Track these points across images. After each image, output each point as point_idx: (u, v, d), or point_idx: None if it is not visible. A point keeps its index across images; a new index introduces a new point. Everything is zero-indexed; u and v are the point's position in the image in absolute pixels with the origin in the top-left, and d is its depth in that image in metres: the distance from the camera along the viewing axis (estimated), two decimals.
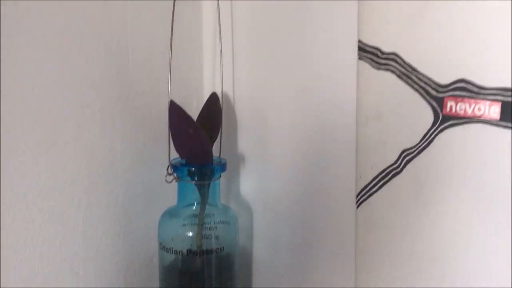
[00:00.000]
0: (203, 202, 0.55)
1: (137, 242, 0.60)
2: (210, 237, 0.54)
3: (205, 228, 0.54)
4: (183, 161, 0.55)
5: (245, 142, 0.61)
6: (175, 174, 0.54)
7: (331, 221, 0.53)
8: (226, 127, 0.60)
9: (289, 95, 0.56)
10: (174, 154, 0.56)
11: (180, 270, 0.55)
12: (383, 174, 0.48)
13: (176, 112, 0.52)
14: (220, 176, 0.56)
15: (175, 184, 0.61)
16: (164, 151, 0.61)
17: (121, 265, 0.58)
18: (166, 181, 0.54)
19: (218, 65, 0.61)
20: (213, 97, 0.58)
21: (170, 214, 0.56)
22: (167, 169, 0.54)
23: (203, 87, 0.65)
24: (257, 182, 0.61)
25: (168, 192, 0.62)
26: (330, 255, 0.54)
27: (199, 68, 0.65)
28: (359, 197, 0.51)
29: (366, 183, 0.50)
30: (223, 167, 0.55)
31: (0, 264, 0.47)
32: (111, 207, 0.57)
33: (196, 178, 0.54)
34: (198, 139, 0.52)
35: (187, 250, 0.53)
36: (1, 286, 0.47)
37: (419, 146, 0.46)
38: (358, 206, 0.51)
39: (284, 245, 0.59)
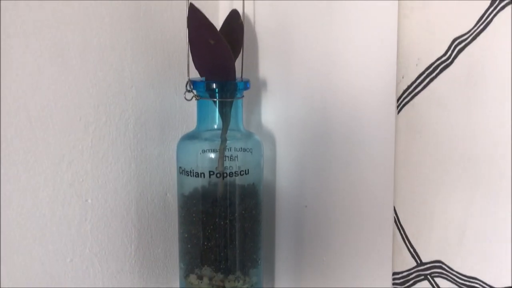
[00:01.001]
0: (225, 123, 0.50)
1: (150, 172, 0.55)
2: (233, 159, 0.49)
3: (227, 151, 0.49)
4: (203, 79, 0.50)
5: (267, 67, 0.56)
6: (194, 92, 0.48)
7: (364, 136, 0.48)
8: (247, 49, 0.54)
9: (316, 11, 0.50)
10: (193, 74, 0.50)
11: (201, 195, 0.49)
12: (430, 70, 0.43)
13: (196, 18, 0.46)
14: (243, 95, 0.50)
15: (192, 110, 0.56)
16: (181, 74, 0.55)
17: (132, 195, 0.53)
18: (185, 98, 0.49)
19: None
20: (234, 14, 0.53)
21: (189, 137, 0.51)
22: (186, 85, 0.49)
23: (219, 6, 0.59)
24: (280, 110, 0.55)
25: (185, 119, 0.57)
26: (362, 176, 0.49)
27: None
28: (400, 100, 0.45)
29: (410, 82, 0.44)
30: (246, 84, 0.50)
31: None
32: (121, 131, 0.51)
33: (217, 96, 0.49)
34: (220, 51, 0.47)
35: (209, 172, 0.48)
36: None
37: (474, 31, 0.40)
38: (399, 111, 0.46)
39: (308, 176, 0.54)
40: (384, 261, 0.47)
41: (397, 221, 0.47)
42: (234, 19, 0.52)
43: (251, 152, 0.50)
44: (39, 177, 0.45)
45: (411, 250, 0.46)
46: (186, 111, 0.57)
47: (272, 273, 0.58)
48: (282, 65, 0.54)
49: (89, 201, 0.50)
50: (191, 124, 0.57)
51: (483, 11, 0.39)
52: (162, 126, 0.55)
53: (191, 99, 0.49)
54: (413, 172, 0.45)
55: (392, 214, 0.47)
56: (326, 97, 0.50)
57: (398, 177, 0.46)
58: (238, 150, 0.49)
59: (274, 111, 0.55)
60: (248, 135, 0.52)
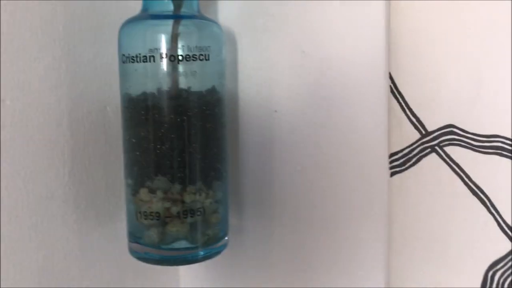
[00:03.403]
0: (176, 5, 0.41)
1: (85, 76, 0.45)
2: (190, 47, 0.40)
3: (182, 38, 0.40)
4: None
5: None
6: None
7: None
8: None
9: None
10: None
11: (149, 86, 0.40)
12: None
13: None
14: None
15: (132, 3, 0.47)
16: None
17: (63, 103, 0.43)
18: None
19: None
20: None
21: (134, 19, 0.42)
22: None
23: None
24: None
25: (125, 12, 0.47)
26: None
27: None
28: None
29: None
30: None
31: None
32: (47, 18, 0.42)
33: None
34: None
35: (160, 54, 0.39)
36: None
37: None
38: None
39: (280, 83, 0.46)
40: (378, 142, 0.39)
41: (393, 89, 0.40)
42: None
43: (212, 39, 0.42)
44: None
45: (414, 120, 0.39)
46: (130, 4, 0.47)
47: (239, 200, 0.49)
48: None
49: (8, 102, 0.40)
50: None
51: None
52: (99, 20, 0.46)
53: None
54: (414, 34, 0.38)
55: (387, 82, 0.40)
56: None
57: (393, 35, 0.39)
58: (193, 32, 0.41)
59: (234, 1, 0.47)
60: (207, 19, 0.43)
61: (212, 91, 0.42)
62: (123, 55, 0.41)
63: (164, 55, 0.39)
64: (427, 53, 0.38)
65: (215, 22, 0.43)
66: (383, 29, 0.38)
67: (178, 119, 0.40)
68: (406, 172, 0.40)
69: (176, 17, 0.41)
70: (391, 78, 0.40)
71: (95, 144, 0.46)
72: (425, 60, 0.38)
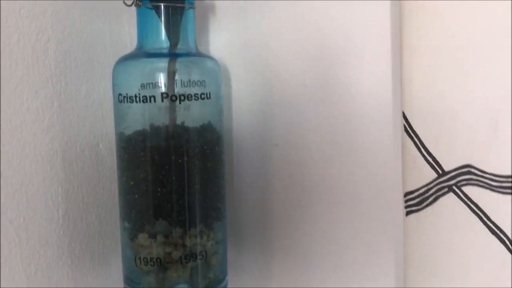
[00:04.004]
0: (174, 36, 0.40)
1: (78, 114, 0.43)
2: (188, 83, 0.39)
3: (180, 75, 0.39)
4: None
5: None
6: None
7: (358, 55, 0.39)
8: None
9: None
10: None
11: (151, 127, 0.39)
12: None
13: None
14: (193, 5, 0.41)
15: (126, 36, 0.46)
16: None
17: (56, 143, 0.42)
18: (125, 4, 0.39)
19: None
20: None
21: (129, 57, 0.40)
22: None
23: None
24: (235, 31, 0.46)
25: (118, 48, 0.46)
26: (355, 90, 0.40)
27: None
28: None
29: None
30: None
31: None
32: (40, 57, 0.40)
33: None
34: None
35: (161, 95, 0.38)
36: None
37: None
38: None
39: (276, 112, 0.45)
40: (391, 181, 0.38)
41: (408, 128, 0.39)
42: None
43: (209, 75, 0.41)
44: None
45: (429, 159, 0.38)
46: (121, 38, 0.46)
47: (239, 228, 0.48)
48: None
49: (1, 147, 0.38)
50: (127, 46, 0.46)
51: None
52: (90, 55, 0.44)
53: (131, 4, 0.39)
54: (425, 65, 0.38)
55: (401, 122, 0.39)
56: (300, 12, 0.42)
57: (406, 75, 0.38)
58: (191, 72, 0.40)
59: (226, 33, 0.46)
60: (203, 56, 0.42)
61: (212, 129, 0.41)
62: (120, 94, 0.39)
63: (163, 95, 0.38)
64: (442, 91, 0.37)
65: (212, 59, 0.42)
66: (394, 68, 0.38)
67: (179, 160, 0.39)
68: (422, 211, 0.39)
69: (173, 55, 0.39)
70: (404, 117, 0.39)
71: (88, 183, 0.44)
72: (439, 98, 0.37)
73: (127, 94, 0.39)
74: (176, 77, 0.39)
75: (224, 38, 0.46)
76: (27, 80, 0.39)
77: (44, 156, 0.41)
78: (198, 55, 0.42)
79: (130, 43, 0.47)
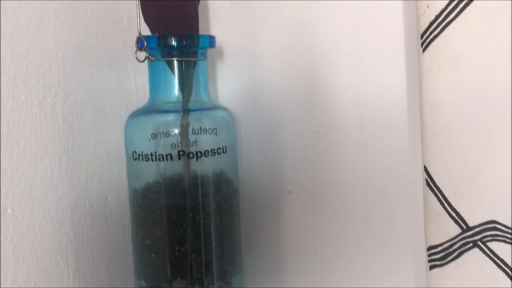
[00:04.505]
0: (186, 91, 0.39)
1: (87, 168, 0.42)
2: (202, 135, 0.38)
3: (194, 127, 0.38)
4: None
5: (225, 21, 0.45)
6: (146, 50, 0.37)
7: (373, 97, 0.38)
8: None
9: None
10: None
11: (166, 185, 0.38)
12: None
13: None
14: (207, 56, 0.40)
15: (135, 86, 0.45)
16: (123, 35, 0.44)
17: (65, 201, 0.40)
18: (137, 59, 0.38)
19: None
20: None
21: (142, 112, 0.39)
22: (136, 43, 0.38)
23: None
24: (245, 78, 0.45)
25: (125, 99, 0.45)
26: (373, 141, 0.39)
27: None
28: (426, 35, 0.37)
29: (438, 12, 0.37)
30: (211, 39, 0.39)
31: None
32: (47, 113, 0.39)
33: (176, 54, 0.38)
34: None
35: (178, 152, 0.37)
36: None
37: None
38: (424, 49, 0.38)
39: (288, 158, 0.44)
40: (413, 235, 0.38)
41: (430, 183, 0.39)
42: None
43: (223, 127, 0.40)
44: None
45: (453, 214, 0.38)
46: (127, 87, 0.45)
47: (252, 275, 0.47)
48: (247, 20, 0.44)
49: (9, 211, 0.36)
50: (133, 107, 0.45)
51: None
52: (97, 107, 0.43)
53: (144, 60, 0.38)
54: (447, 121, 0.37)
55: (423, 175, 0.39)
56: (311, 57, 0.41)
57: (427, 130, 0.38)
58: (206, 125, 0.39)
59: (236, 80, 0.45)
60: (217, 107, 0.41)
61: (228, 182, 0.40)
62: (134, 152, 0.38)
63: (180, 153, 0.37)
64: (464, 145, 0.37)
65: (225, 109, 0.41)
66: (412, 123, 0.37)
67: (197, 217, 0.38)
68: (446, 266, 0.39)
69: (186, 110, 0.38)
70: (426, 171, 0.39)
71: (98, 239, 0.43)
72: (462, 152, 0.37)
73: (142, 152, 0.37)
74: (190, 130, 0.38)
75: (233, 84, 0.45)
76: (36, 138, 0.38)
77: (53, 216, 0.39)
78: (212, 106, 0.40)
79: (136, 91, 0.45)
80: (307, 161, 0.43)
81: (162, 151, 0.37)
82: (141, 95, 0.46)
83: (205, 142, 0.38)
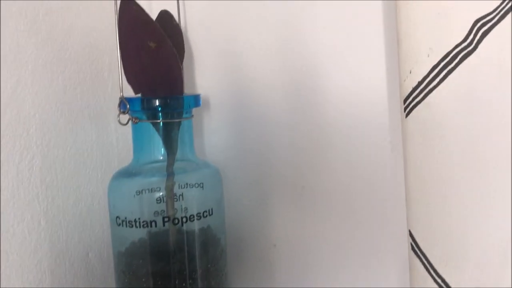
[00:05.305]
0: (171, 152, 0.38)
1: (67, 227, 0.40)
2: (187, 197, 0.37)
3: (178, 188, 0.37)
4: (139, 96, 0.38)
5: (210, 78, 0.44)
6: (130, 113, 0.36)
7: (361, 160, 0.38)
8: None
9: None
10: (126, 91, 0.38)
11: (151, 252, 0.37)
12: (447, 59, 0.35)
13: (130, 13, 0.34)
14: (192, 115, 0.39)
15: (115, 142, 0.43)
16: (103, 92, 0.42)
17: (45, 265, 0.39)
18: (119, 122, 0.36)
19: None
20: (165, 16, 0.41)
21: (125, 174, 0.38)
22: (119, 105, 0.36)
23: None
24: (230, 133, 0.44)
25: (105, 154, 0.43)
26: (361, 204, 0.39)
27: None
28: (409, 99, 0.37)
29: (421, 77, 0.36)
30: (197, 99, 0.38)
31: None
32: (24, 177, 0.37)
33: (160, 116, 0.37)
34: (164, 56, 0.35)
35: (163, 219, 0.36)
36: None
37: (500, 10, 0.33)
38: (407, 114, 0.37)
39: (275, 209, 0.43)
40: None
41: (415, 247, 0.38)
42: (167, 22, 0.41)
43: (210, 186, 0.39)
44: None
45: (438, 280, 0.38)
46: (108, 139, 0.43)
47: None
48: (231, 75, 0.43)
49: None
50: (114, 161, 0.44)
51: None
52: (77, 163, 0.41)
53: (127, 123, 0.36)
54: (431, 187, 0.37)
55: (407, 241, 0.38)
56: (302, 113, 0.40)
57: (412, 196, 0.38)
58: (192, 185, 0.38)
59: (222, 136, 0.44)
60: (203, 165, 0.40)
61: (216, 244, 0.39)
62: (118, 217, 0.37)
63: (165, 219, 0.36)
64: (448, 210, 0.37)
65: (212, 167, 0.40)
66: (399, 182, 0.37)
67: (184, 284, 0.37)
68: None
69: (171, 174, 0.37)
70: (411, 235, 0.39)
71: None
72: (446, 217, 0.37)
73: (126, 218, 0.36)
74: (176, 188, 0.37)
75: (219, 140, 0.44)
76: (13, 204, 0.36)
77: (32, 281, 0.38)
78: (197, 165, 0.39)
79: (117, 142, 0.44)
80: (291, 216, 0.43)
81: (146, 217, 0.36)
82: (122, 146, 0.44)
83: (191, 203, 0.37)
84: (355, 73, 0.37)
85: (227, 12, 0.42)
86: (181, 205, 0.37)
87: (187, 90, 0.43)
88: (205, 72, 0.44)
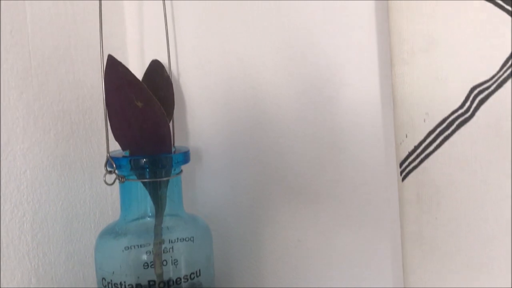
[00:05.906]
0: (159, 210, 0.37)
1: (58, 281, 0.40)
2: (175, 262, 0.36)
3: (166, 248, 0.36)
4: (126, 153, 0.37)
5: (203, 132, 0.44)
6: (117, 172, 0.36)
7: (357, 219, 0.37)
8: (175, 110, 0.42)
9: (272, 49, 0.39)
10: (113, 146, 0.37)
11: None
12: (443, 125, 0.34)
13: (117, 73, 0.34)
14: (181, 171, 0.38)
15: (108, 196, 0.43)
16: (93, 148, 0.42)
17: None
18: (105, 182, 0.36)
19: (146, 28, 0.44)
20: (156, 66, 0.41)
21: (112, 232, 0.37)
22: (105, 165, 0.36)
23: (128, 58, 0.47)
24: (223, 189, 0.43)
25: (99, 208, 0.43)
26: (356, 272, 0.38)
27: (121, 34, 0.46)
28: (405, 164, 0.36)
29: (417, 142, 0.35)
30: (185, 156, 0.38)
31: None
32: (15, 235, 0.37)
33: (148, 175, 0.36)
34: (151, 116, 0.35)
35: (149, 283, 0.35)
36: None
37: (498, 78, 0.32)
38: (404, 178, 0.36)
39: (268, 267, 0.42)
40: None
41: None
42: (158, 73, 0.41)
43: (199, 243, 0.38)
44: None
45: None
46: (101, 190, 0.43)
47: None
48: (224, 129, 0.43)
49: None
50: (108, 210, 0.43)
51: (508, 54, 0.32)
52: (69, 217, 0.41)
53: (113, 182, 0.36)
54: (427, 252, 0.36)
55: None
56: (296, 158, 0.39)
57: (408, 261, 0.37)
58: (180, 240, 0.37)
59: (215, 191, 0.43)
60: (192, 221, 0.39)
61: None
62: (104, 279, 0.36)
63: (151, 283, 0.35)
64: (446, 276, 0.35)
65: (200, 222, 0.39)
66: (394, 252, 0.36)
67: None
68: None
69: (158, 234, 0.37)
70: None
71: None
72: (447, 282, 0.35)
73: (111, 280, 0.36)
74: (166, 248, 0.36)
75: (211, 196, 0.44)
76: (4, 263, 0.36)
77: None
78: (185, 221, 0.39)
79: (110, 190, 0.44)
80: (288, 268, 0.42)
81: (132, 280, 0.35)
82: (116, 195, 0.44)
83: (179, 260, 0.36)
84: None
85: (223, 51, 0.42)
86: (171, 258, 0.36)
87: (178, 139, 0.43)
88: (196, 119, 0.44)
